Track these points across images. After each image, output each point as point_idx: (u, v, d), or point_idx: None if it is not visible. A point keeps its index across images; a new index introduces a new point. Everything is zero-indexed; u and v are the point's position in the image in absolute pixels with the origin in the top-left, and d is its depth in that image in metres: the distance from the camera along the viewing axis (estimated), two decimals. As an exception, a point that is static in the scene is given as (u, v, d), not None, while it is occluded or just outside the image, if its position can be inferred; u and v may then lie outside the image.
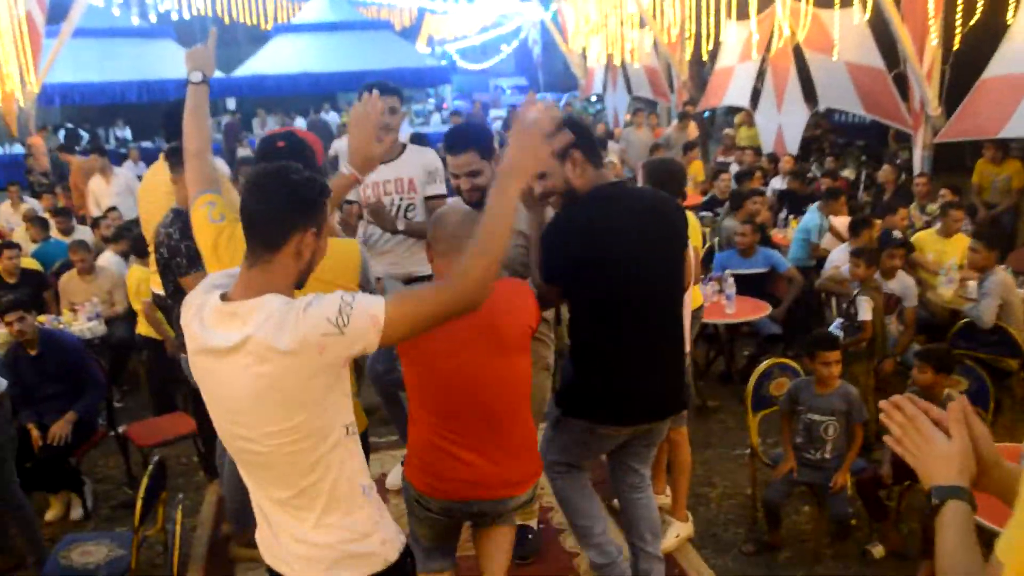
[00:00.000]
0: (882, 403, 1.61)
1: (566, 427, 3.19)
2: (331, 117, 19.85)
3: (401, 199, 4.17)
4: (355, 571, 1.98)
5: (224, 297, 1.90)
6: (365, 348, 1.86)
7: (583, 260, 2.91)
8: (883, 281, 5.41)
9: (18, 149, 15.51)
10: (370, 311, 1.83)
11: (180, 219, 3.35)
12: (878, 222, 6.46)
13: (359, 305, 1.83)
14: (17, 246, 6.91)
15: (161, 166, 3.75)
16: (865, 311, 4.98)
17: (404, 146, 4.22)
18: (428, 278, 4.23)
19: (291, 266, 1.91)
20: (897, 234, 6.24)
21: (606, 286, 2.96)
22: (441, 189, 4.26)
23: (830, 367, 3.98)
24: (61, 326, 5.95)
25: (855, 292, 5.15)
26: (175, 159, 3.54)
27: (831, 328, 5.17)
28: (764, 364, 4.44)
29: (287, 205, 1.88)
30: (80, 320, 6.10)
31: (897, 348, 5.36)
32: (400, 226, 4.06)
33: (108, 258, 6.94)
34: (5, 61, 13.05)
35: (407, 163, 4.16)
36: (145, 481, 3.42)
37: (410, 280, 4.16)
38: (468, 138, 3.22)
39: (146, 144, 16.71)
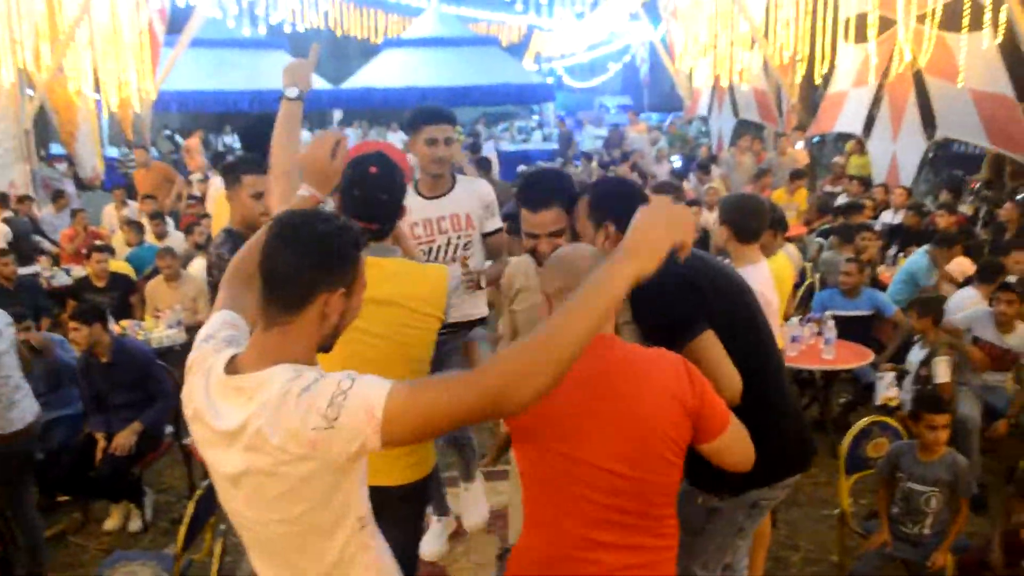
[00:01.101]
0: None
1: (723, 516, 2.62)
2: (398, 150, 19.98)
3: (459, 236, 3.81)
4: None
5: (233, 361, 1.67)
6: (364, 447, 1.55)
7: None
8: (1000, 334, 4.92)
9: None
10: (368, 403, 1.52)
11: (231, 240, 3.22)
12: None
13: (356, 394, 1.53)
14: (107, 249, 7.05)
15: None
16: (943, 373, 4.52)
17: (454, 179, 3.82)
18: (483, 321, 4.00)
19: (313, 331, 1.66)
20: (1012, 278, 5.68)
21: (756, 338, 2.63)
22: (499, 223, 3.95)
23: (936, 432, 3.56)
24: (143, 332, 5.99)
25: (927, 350, 4.71)
26: (231, 176, 3.40)
27: (900, 390, 4.75)
28: (863, 422, 4.03)
29: (313, 261, 1.62)
30: (161, 327, 6.13)
31: (1012, 409, 4.86)
32: (482, 282, 3.67)
33: (197, 265, 6.98)
34: (124, 69, 13.57)
35: (461, 197, 3.79)
36: (191, 505, 3.30)
37: (467, 323, 3.84)
38: (551, 191, 2.69)
39: (255, 154, 17.11)
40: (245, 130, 3.72)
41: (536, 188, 2.70)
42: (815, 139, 15.82)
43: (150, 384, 4.79)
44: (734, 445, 2.12)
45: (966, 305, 5.30)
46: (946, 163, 12.96)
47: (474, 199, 3.79)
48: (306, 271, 1.62)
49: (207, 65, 18.28)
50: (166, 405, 4.87)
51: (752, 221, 3.55)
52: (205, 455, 1.71)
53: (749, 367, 2.47)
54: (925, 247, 6.48)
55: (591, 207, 2.58)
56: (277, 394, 1.55)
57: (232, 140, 19.66)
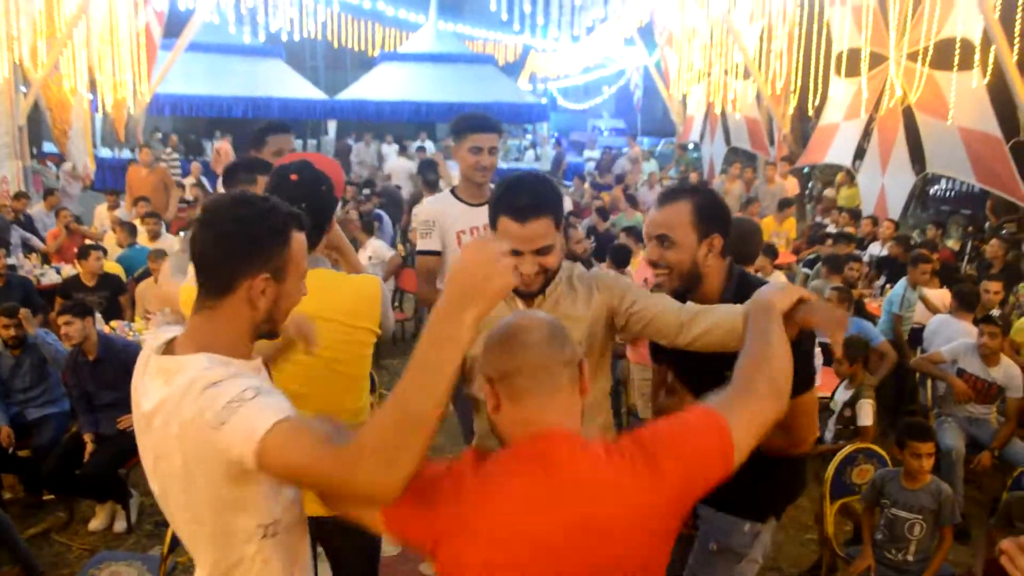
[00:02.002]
0: (1004, 544, 1.36)
1: (761, 540, 2.55)
2: (428, 146, 20.06)
3: None
4: None
5: (170, 343, 1.64)
6: (243, 462, 1.46)
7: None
8: (986, 367, 4.99)
9: (127, 154, 16.08)
10: (252, 424, 1.44)
11: None
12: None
13: (248, 409, 1.45)
14: (104, 249, 7.02)
15: None
16: (866, 416, 4.60)
17: (492, 190, 3.78)
18: None
19: (241, 317, 1.61)
20: (995, 312, 5.77)
21: None
22: None
23: (921, 460, 3.61)
24: (132, 332, 5.97)
25: (852, 391, 4.79)
26: (230, 179, 3.39)
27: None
28: (848, 448, 4.08)
29: (232, 245, 1.58)
30: (150, 328, 6.11)
31: (996, 441, 4.92)
32: None
33: (188, 268, 6.96)
34: (120, 70, 13.57)
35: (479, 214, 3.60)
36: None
37: None
38: (541, 198, 2.18)
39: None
40: (226, 174, 3.57)
41: (524, 194, 2.17)
42: (804, 170, 16.00)
43: None
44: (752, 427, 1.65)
45: (955, 338, 5.37)
46: (935, 199, 13.16)
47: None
48: (225, 255, 1.59)
49: (203, 70, 18.24)
50: None
51: (748, 245, 3.61)
52: (138, 443, 1.68)
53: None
54: (903, 279, 6.59)
55: (698, 214, 2.34)
56: (185, 383, 1.52)
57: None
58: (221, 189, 3.42)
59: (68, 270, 7.67)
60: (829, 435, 4.84)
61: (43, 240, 9.15)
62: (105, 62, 13.24)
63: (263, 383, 1.56)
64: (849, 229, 9.35)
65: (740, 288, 2.39)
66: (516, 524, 1.45)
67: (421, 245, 3.65)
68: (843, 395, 4.87)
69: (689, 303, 2.25)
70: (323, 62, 26.55)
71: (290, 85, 20.04)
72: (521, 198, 2.15)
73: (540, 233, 2.14)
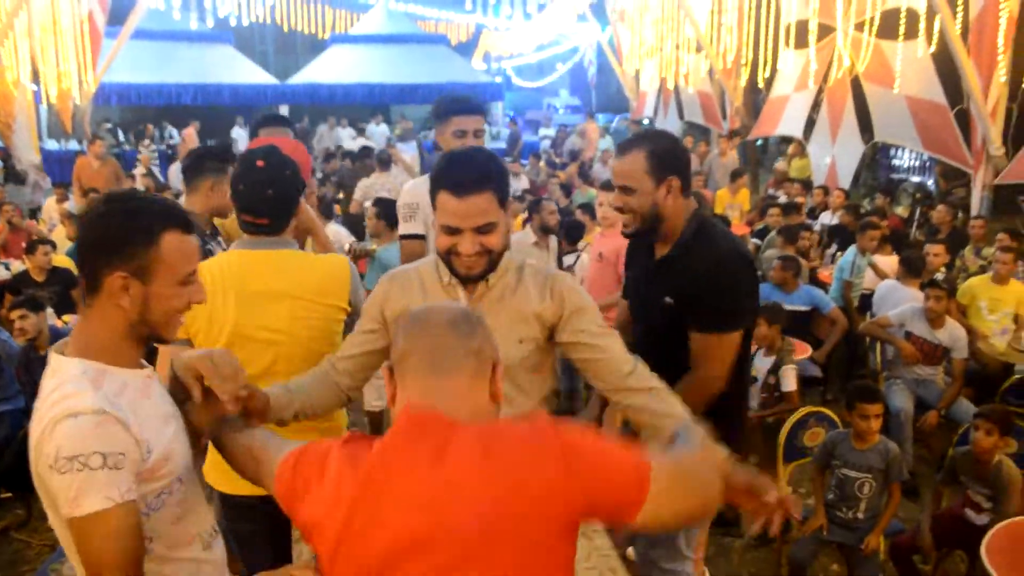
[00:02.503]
0: None
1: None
2: (382, 129, 19.90)
3: None
4: None
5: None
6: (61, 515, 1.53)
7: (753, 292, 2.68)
8: (931, 330, 5.12)
9: (73, 146, 15.77)
10: (81, 497, 1.48)
11: None
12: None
13: (84, 480, 1.48)
14: (53, 243, 6.91)
15: None
16: (790, 382, 4.73)
17: None
18: None
19: (112, 318, 1.61)
20: (939, 275, 5.93)
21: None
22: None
23: (869, 421, 3.72)
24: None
25: (773, 358, 4.94)
26: (191, 173, 3.38)
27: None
28: (799, 412, 4.19)
29: (91, 243, 1.59)
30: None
31: (942, 402, 5.06)
32: None
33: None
34: (64, 59, 13.27)
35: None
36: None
37: None
38: (483, 171, 2.04)
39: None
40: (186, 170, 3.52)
41: (464, 167, 2.04)
42: (758, 142, 16.16)
43: None
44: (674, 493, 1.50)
45: (902, 303, 5.50)
46: (886, 168, 13.40)
47: None
48: (88, 252, 1.61)
49: (150, 58, 17.87)
50: None
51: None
52: None
53: (744, 351, 2.64)
54: (853, 246, 6.74)
55: (652, 161, 2.48)
56: (50, 390, 1.55)
57: (170, 133, 19.28)
58: (178, 177, 3.42)
59: (18, 266, 7.54)
60: (755, 403, 4.95)
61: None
62: (48, 52, 12.93)
63: (123, 438, 1.53)
64: (800, 199, 9.51)
65: (699, 231, 2.55)
66: (394, 522, 1.38)
67: (404, 229, 3.54)
68: (763, 363, 4.98)
69: (641, 367, 2.16)
70: (273, 46, 26.18)
71: (240, 70, 19.74)
72: (460, 171, 2.03)
73: (481, 209, 1.99)
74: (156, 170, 14.14)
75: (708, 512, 1.62)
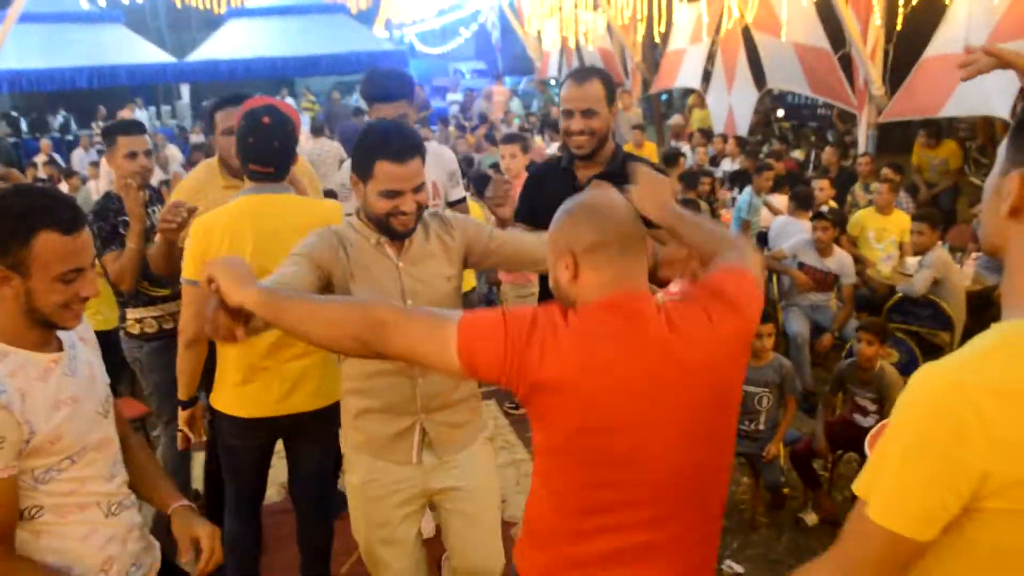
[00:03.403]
0: None
1: None
2: (288, 102, 19.69)
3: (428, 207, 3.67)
4: None
5: None
6: None
7: None
8: (821, 259, 5.53)
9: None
10: None
11: (104, 202, 3.61)
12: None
13: None
14: None
15: (209, 167, 3.52)
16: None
17: None
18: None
19: (8, 304, 1.75)
20: (825, 208, 6.37)
21: None
22: (463, 192, 3.76)
23: (762, 340, 4.07)
24: None
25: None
26: (108, 138, 3.60)
27: None
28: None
29: None
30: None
31: (835, 324, 5.48)
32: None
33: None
34: (-52, 47, 12.79)
35: (428, 165, 3.36)
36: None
37: None
38: (415, 140, 2.33)
39: (87, 132, 16.32)
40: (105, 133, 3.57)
41: (398, 136, 2.29)
42: (663, 96, 16.56)
43: None
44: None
45: (794, 236, 5.90)
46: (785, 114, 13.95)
47: (439, 167, 3.54)
48: None
49: (39, 42, 17.26)
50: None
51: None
52: None
53: None
54: (748, 187, 7.15)
55: (607, 88, 2.91)
56: None
57: (61, 119, 18.66)
58: (82, 162, 3.56)
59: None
60: None
61: None
62: (-69, 39, 12.46)
63: (1, 432, 1.68)
64: (700, 149, 9.92)
65: (626, 157, 2.99)
66: (618, 385, 1.60)
67: (345, 208, 3.63)
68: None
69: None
70: (166, 23, 25.41)
71: (135, 50, 19.18)
72: (397, 141, 2.26)
73: (416, 171, 2.26)
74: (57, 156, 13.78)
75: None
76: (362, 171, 2.29)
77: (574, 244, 1.67)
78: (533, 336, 1.60)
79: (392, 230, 2.30)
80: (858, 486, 1.25)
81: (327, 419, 2.87)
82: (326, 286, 2.28)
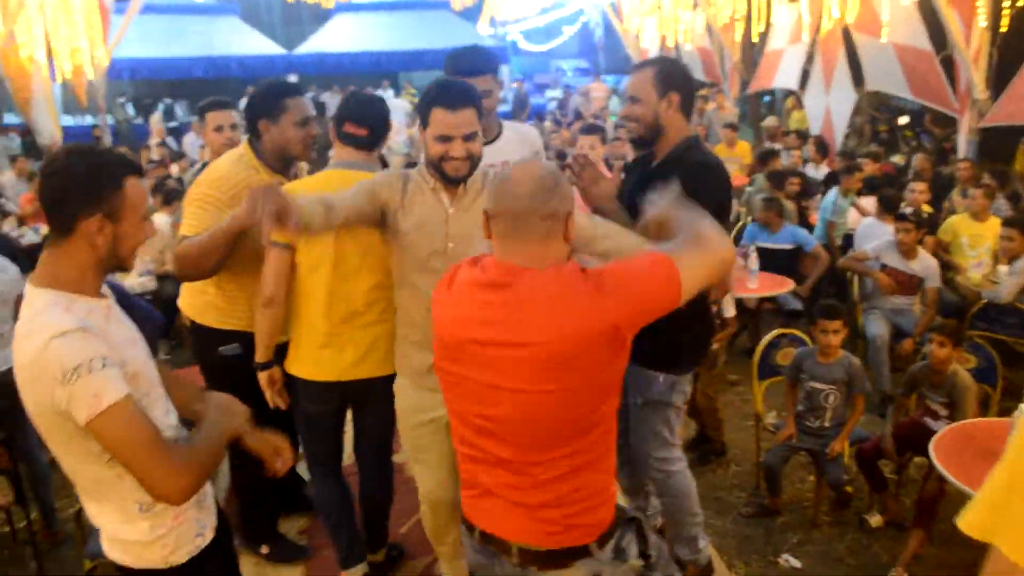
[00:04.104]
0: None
1: (677, 389, 3.13)
2: (388, 95, 20.12)
3: None
4: None
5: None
6: (77, 422, 1.72)
7: (725, 202, 3.01)
8: (905, 261, 5.44)
9: (88, 120, 16.12)
10: (98, 396, 1.70)
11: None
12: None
13: (93, 381, 1.69)
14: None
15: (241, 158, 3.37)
16: (729, 308, 5.04)
17: (500, 125, 3.47)
18: None
19: (83, 254, 1.81)
20: (907, 208, 6.24)
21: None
22: None
23: (829, 336, 4.07)
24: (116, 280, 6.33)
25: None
26: (200, 115, 3.86)
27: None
28: (772, 334, 4.54)
29: (66, 191, 1.77)
30: (132, 276, 6.48)
31: (918, 328, 5.38)
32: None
33: (160, 220, 7.28)
34: (75, 35, 13.57)
35: (509, 143, 3.45)
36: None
37: None
38: (469, 92, 2.56)
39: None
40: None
41: (454, 87, 2.55)
42: (765, 98, 16.33)
43: (134, 311, 5.12)
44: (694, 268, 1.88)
45: (880, 238, 5.82)
46: (881, 113, 13.56)
47: (524, 145, 3.52)
48: (63, 199, 1.78)
49: (159, 32, 18.14)
50: (156, 328, 5.24)
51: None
52: None
53: None
54: (835, 188, 7.06)
55: (658, 77, 2.91)
56: (27, 318, 1.76)
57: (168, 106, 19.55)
58: (192, 147, 3.72)
59: (45, 230, 7.94)
60: None
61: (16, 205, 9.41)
62: (60, 28, 13.24)
63: (108, 348, 1.74)
64: (795, 152, 9.78)
65: (689, 147, 2.95)
66: (462, 335, 1.87)
67: None
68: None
69: (599, 219, 2.64)
70: (279, 17, 26.27)
71: (248, 42, 19.98)
72: (452, 90, 2.51)
73: (468, 120, 2.48)
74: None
75: (728, 264, 1.97)
76: (422, 119, 2.54)
77: (487, 206, 1.91)
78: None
79: (445, 174, 2.53)
80: (973, 526, 1.10)
81: (392, 385, 3.01)
82: (381, 215, 2.60)
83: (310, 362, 2.99)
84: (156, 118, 16.38)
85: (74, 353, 1.68)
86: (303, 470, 3.77)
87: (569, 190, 1.93)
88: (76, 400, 1.68)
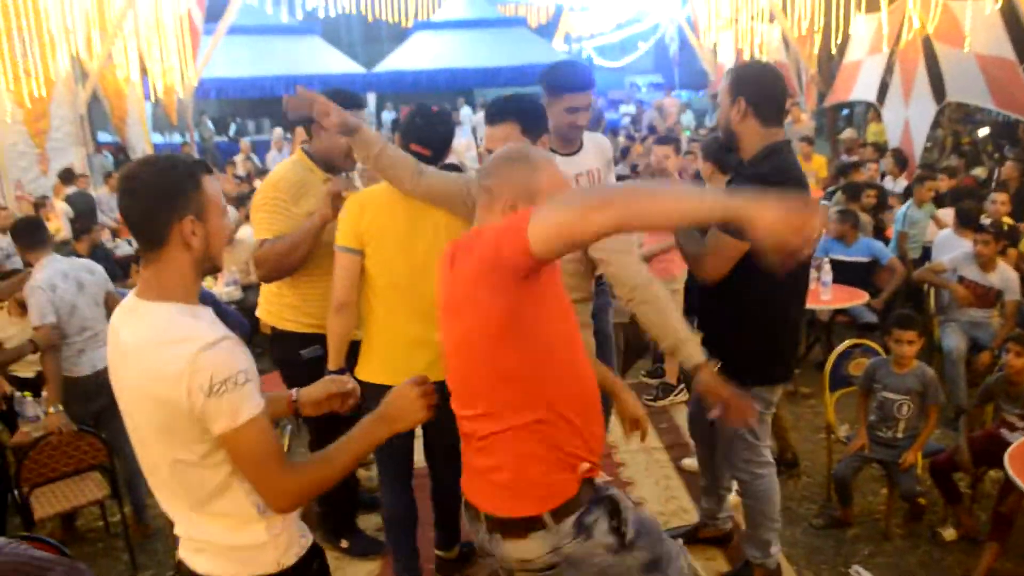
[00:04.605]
0: None
1: (755, 401, 3.07)
2: (465, 111, 20.45)
3: None
4: None
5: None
6: (211, 432, 1.74)
7: None
8: (983, 273, 5.35)
9: (177, 138, 16.80)
10: (238, 410, 1.72)
11: None
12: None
13: (238, 396, 1.72)
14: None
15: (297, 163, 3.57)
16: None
17: (582, 137, 3.50)
18: None
19: (182, 260, 1.81)
20: (987, 219, 6.12)
21: None
22: (614, 178, 3.90)
23: (903, 346, 4.04)
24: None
25: None
26: (290, 127, 3.94)
27: None
28: (845, 343, 4.52)
29: (152, 201, 1.77)
30: (219, 285, 6.77)
31: (996, 341, 5.28)
32: None
33: (244, 232, 7.59)
34: (167, 56, 14.22)
35: (591, 153, 3.52)
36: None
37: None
38: (507, 107, 2.81)
39: (289, 135, 17.69)
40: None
41: (496, 102, 2.86)
42: (844, 111, 16.09)
43: (223, 317, 5.34)
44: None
45: (957, 251, 5.73)
46: (964, 126, 13.25)
47: (601, 153, 3.60)
48: (150, 210, 1.77)
49: (244, 52, 18.86)
50: (243, 331, 5.41)
51: (732, 156, 4.13)
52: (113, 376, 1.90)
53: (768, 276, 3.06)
54: (910, 199, 6.97)
55: (732, 82, 2.97)
56: (155, 336, 1.75)
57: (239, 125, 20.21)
58: (275, 162, 3.80)
59: (138, 243, 8.34)
60: None
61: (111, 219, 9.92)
62: (153, 49, 13.88)
63: (248, 365, 1.76)
64: (872, 165, 9.64)
65: (767, 155, 2.94)
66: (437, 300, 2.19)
67: None
68: None
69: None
70: (359, 36, 26.99)
71: (329, 61, 20.58)
72: (493, 106, 2.84)
73: (501, 136, 2.72)
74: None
75: (595, 218, 1.72)
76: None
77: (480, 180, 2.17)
78: None
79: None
80: None
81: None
82: (468, 213, 2.68)
83: (379, 367, 3.03)
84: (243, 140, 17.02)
85: (222, 365, 1.70)
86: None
87: (525, 183, 2.02)
88: (216, 412, 1.71)
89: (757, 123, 2.93)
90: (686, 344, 2.72)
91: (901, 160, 9.33)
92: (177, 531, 1.98)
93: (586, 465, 2.04)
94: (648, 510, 4.21)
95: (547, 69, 3.35)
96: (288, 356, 3.54)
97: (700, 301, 3.35)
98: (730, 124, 2.98)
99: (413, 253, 2.93)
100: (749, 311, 3.02)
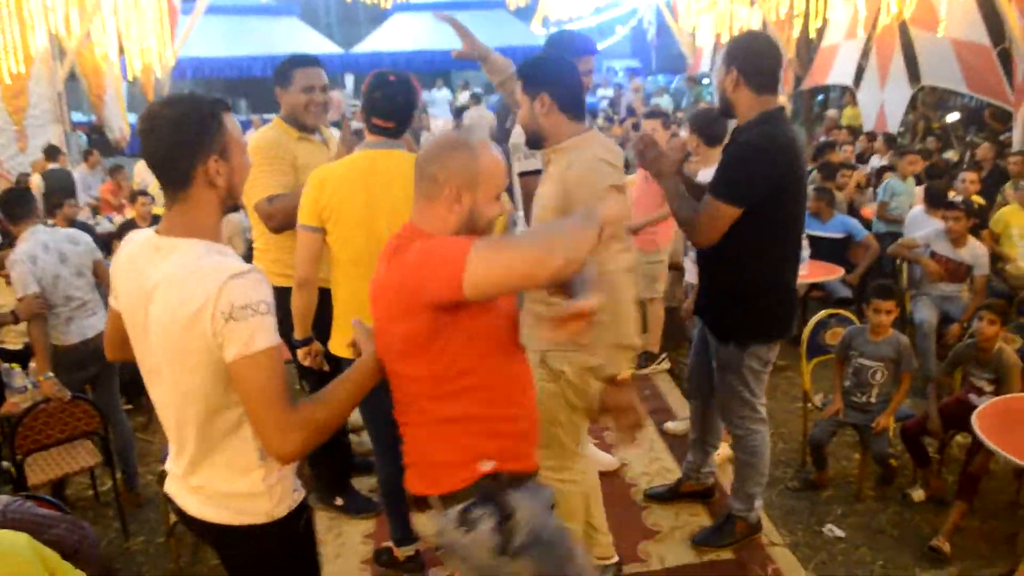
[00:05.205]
0: None
1: (751, 358, 3.31)
2: (443, 94, 20.43)
3: None
4: None
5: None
6: (224, 357, 1.76)
7: (785, 179, 3.03)
8: (954, 249, 5.51)
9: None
10: (254, 337, 1.74)
11: None
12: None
13: (256, 323, 1.74)
14: (150, 195, 7.68)
15: (277, 125, 3.67)
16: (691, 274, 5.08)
17: None
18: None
19: (208, 199, 1.84)
20: (957, 197, 6.30)
21: (794, 207, 3.17)
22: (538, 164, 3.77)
23: (881, 315, 4.18)
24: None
25: None
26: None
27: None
28: (821, 313, 4.66)
29: (176, 141, 1.78)
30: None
31: (965, 315, 5.45)
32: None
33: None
34: (145, 35, 14.09)
35: None
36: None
37: None
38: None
39: (268, 116, 17.59)
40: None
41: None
42: (819, 96, 16.26)
43: None
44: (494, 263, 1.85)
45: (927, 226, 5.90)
46: (935, 111, 13.45)
47: None
48: (175, 151, 1.78)
49: (221, 32, 18.71)
50: None
51: (718, 128, 4.27)
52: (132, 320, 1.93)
53: (781, 233, 3.16)
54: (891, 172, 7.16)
55: (727, 53, 3.04)
56: (186, 266, 1.78)
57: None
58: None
59: (119, 219, 8.33)
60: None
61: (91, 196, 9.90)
62: (131, 28, 13.75)
63: (271, 299, 1.79)
64: (847, 147, 9.82)
65: (758, 124, 3.03)
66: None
67: (525, 166, 3.93)
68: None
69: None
70: (337, 17, 26.85)
71: (306, 42, 20.42)
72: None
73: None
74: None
75: (547, 270, 1.82)
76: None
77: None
78: None
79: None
80: None
81: None
82: None
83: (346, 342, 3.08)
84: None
85: (249, 292, 1.73)
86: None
87: (468, 171, 1.99)
88: (232, 336, 1.72)
89: (750, 91, 3.03)
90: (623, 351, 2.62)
91: (890, 139, 9.53)
92: (171, 468, 2.02)
93: (489, 463, 2.04)
94: (633, 471, 4.36)
95: (552, 36, 3.62)
96: (286, 312, 3.62)
97: (698, 263, 3.45)
98: (725, 93, 3.08)
99: (374, 228, 2.90)
100: (744, 273, 3.16)
